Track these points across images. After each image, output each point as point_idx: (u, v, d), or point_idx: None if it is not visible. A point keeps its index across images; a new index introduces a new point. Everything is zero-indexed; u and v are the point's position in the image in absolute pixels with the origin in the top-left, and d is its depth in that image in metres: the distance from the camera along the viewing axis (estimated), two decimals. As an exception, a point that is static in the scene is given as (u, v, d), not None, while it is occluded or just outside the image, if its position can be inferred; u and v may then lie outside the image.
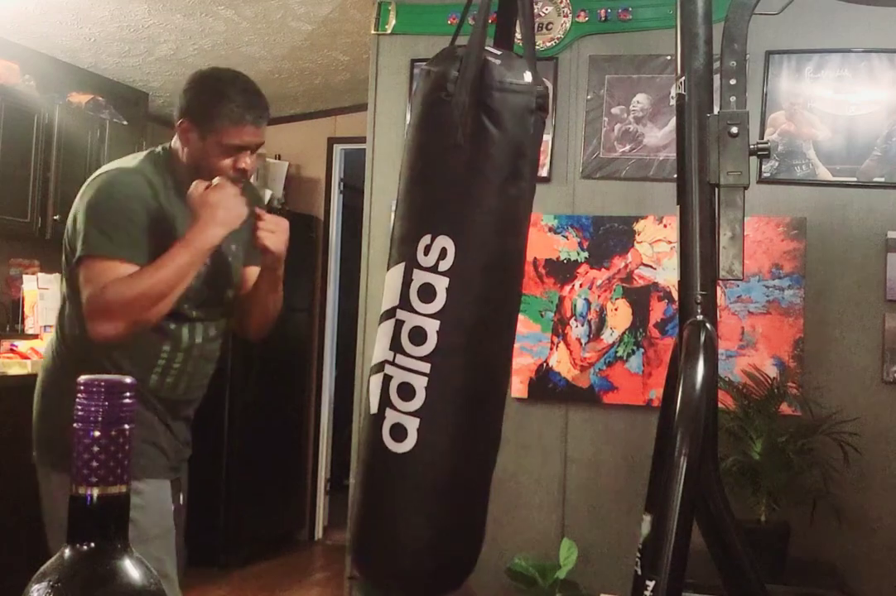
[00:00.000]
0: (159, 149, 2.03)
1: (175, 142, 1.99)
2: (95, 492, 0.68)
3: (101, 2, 3.70)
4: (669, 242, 3.09)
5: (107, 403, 0.67)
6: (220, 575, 4.28)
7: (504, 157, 1.62)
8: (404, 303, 1.62)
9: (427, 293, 1.61)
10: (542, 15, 3.24)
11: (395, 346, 1.63)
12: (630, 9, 3.20)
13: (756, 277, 3.01)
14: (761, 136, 3.02)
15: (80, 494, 0.68)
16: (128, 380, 0.69)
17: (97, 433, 0.67)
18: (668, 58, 3.11)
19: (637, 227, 3.13)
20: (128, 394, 0.69)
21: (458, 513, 1.68)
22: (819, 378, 2.97)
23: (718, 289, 1.56)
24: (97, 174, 1.98)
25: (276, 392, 4.92)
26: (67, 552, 0.68)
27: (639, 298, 3.12)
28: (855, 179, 3.00)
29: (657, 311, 3.10)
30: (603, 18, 3.23)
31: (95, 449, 0.67)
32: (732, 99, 1.54)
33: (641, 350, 3.09)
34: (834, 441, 2.73)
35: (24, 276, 4.30)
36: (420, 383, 1.60)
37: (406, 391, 1.61)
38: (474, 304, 1.63)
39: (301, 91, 4.93)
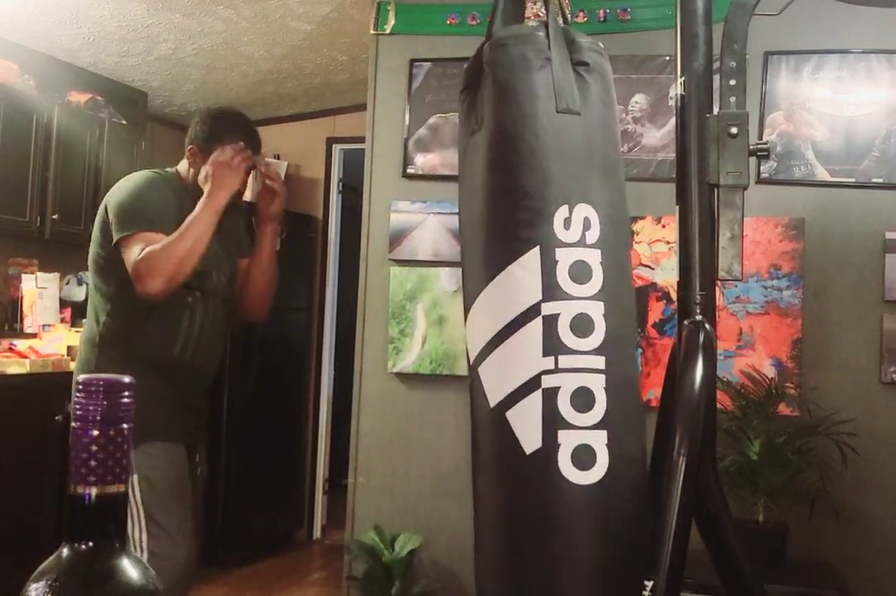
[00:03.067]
0: (164, 170, 2.43)
1: (181, 165, 2.42)
2: (94, 491, 0.68)
3: (101, 1, 3.70)
4: (668, 243, 3.09)
5: (105, 403, 0.67)
6: (219, 574, 4.28)
7: (614, 115, 1.49)
8: (552, 292, 1.34)
9: (582, 272, 1.35)
10: (541, 15, 3.24)
11: (554, 347, 1.32)
12: (629, 9, 3.20)
13: (754, 278, 3.02)
14: (760, 137, 3.03)
15: (79, 494, 0.68)
16: (126, 379, 0.69)
17: (96, 432, 0.67)
18: (667, 58, 3.11)
19: (636, 227, 3.13)
20: (126, 393, 0.69)
21: (641, 553, 1.36)
22: (817, 378, 2.97)
23: (717, 289, 1.56)
24: (119, 182, 2.33)
25: (275, 391, 4.92)
26: (65, 551, 0.68)
27: (637, 298, 3.11)
28: (853, 180, 3.00)
29: (655, 311, 3.10)
30: (602, 19, 3.23)
31: (94, 448, 0.67)
32: (732, 99, 1.54)
33: (640, 350, 3.09)
34: (832, 441, 2.74)
35: (23, 276, 4.30)
36: (599, 384, 1.32)
37: (584, 399, 1.31)
38: (626, 276, 1.42)
39: (300, 91, 4.93)
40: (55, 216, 4.20)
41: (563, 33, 1.48)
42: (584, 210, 1.37)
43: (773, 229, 3.02)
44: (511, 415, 1.32)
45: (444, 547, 3.27)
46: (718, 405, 1.66)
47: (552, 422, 1.30)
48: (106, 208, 2.25)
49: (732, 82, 1.55)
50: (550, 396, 1.31)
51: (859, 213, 3.00)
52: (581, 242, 1.36)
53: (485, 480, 1.39)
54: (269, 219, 2.43)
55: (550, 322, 1.33)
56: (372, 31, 3.47)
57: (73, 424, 0.68)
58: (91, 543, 0.68)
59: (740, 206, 1.51)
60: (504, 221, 1.40)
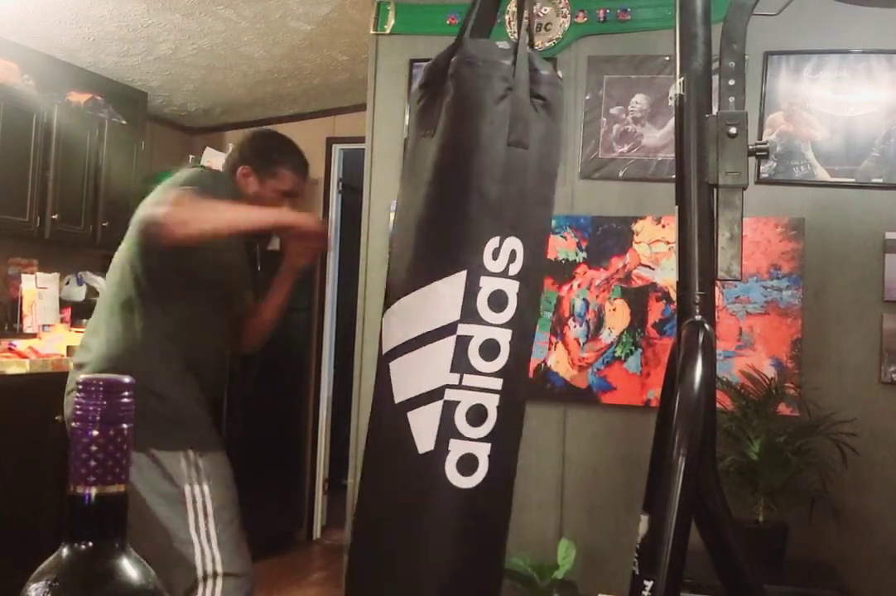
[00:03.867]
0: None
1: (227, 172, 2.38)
2: (94, 491, 0.68)
3: (101, 1, 3.70)
4: (668, 243, 3.09)
5: (105, 403, 0.67)
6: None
7: (558, 152, 1.58)
8: (469, 315, 1.45)
9: (499, 301, 1.46)
10: (541, 15, 3.24)
11: (461, 365, 1.45)
12: (629, 9, 3.20)
13: (754, 278, 3.02)
14: (760, 137, 3.03)
15: (78, 494, 0.68)
16: (126, 379, 0.69)
17: (95, 432, 0.67)
18: (667, 58, 3.11)
19: (635, 227, 3.13)
20: (126, 393, 0.69)
21: (501, 553, 1.54)
22: (817, 378, 2.97)
23: (717, 289, 1.56)
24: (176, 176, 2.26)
25: (275, 391, 4.92)
26: (65, 552, 0.68)
27: (637, 298, 3.12)
28: (853, 180, 3.00)
29: (655, 311, 3.11)
30: (602, 19, 3.23)
31: (94, 448, 0.67)
32: (731, 99, 1.54)
33: (640, 350, 3.09)
34: (832, 441, 2.74)
35: (23, 276, 4.30)
36: (493, 403, 1.45)
37: (477, 415, 1.44)
38: (535, 307, 1.54)
39: (300, 91, 4.93)
40: (55, 216, 4.20)
41: (528, 62, 1.53)
42: (512, 243, 1.48)
43: (773, 229, 3.02)
44: (412, 415, 1.46)
45: (444, 547, 3.26)
46: (718, 405, 1.66)
47: (446, 430, 1.43)
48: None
49: (731, 82, 1.55)
50: (450, 407, 1.44)
51: (859, 213, 3.00)
52: (504, 273, 1.47)
53: (376, 467, 1.52)
54: (297, 269, 2.39)
55: (463, 342, 1.45)
56: (372, 32, 3.47)
57: (72, 424, 0.68)
58: (91, 544, 0.68)
59: (739, 207, 1.51)
60: (439, 236, 1.50)
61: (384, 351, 1.53)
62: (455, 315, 1.45)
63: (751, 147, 1.53)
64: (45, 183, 4.15)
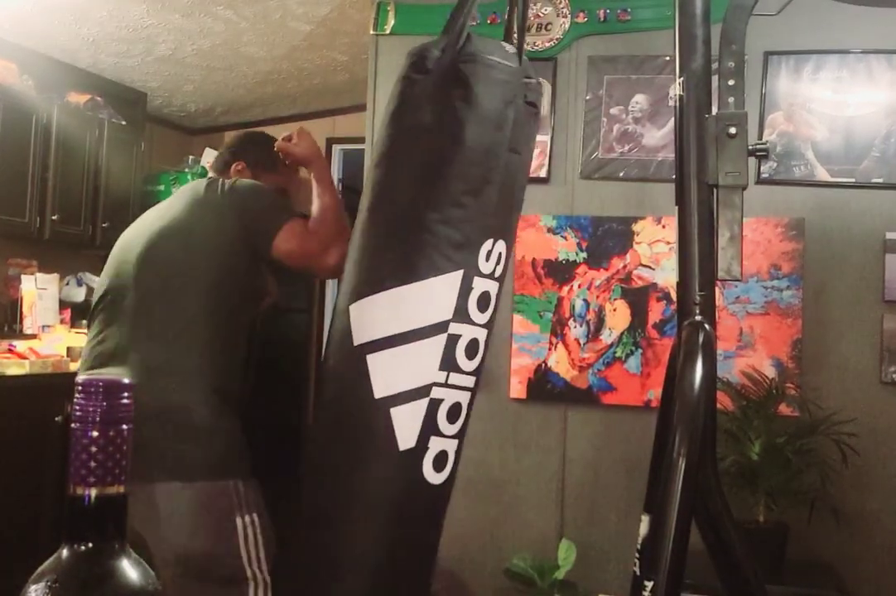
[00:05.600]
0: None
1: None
2: (93, 492, 0.68)
3: (100, 2, 3.70)
4: (668, 243, 3.09)
5: (105, 404, 0.67)
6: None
7: (531, 150, 1.60)
8: (461, 315, 1.46)
9: (485, 302, 1.49)
10: (541, 15, 3.24)
11: (449, 364, 1.46)
12: (629, 9, 3.20)
13: (754, 278, 3.02)
14: (760, 137, 3.03)
15: (78, 495, 0.68)
16: (126, 380, 0.69)
17: (95, 433, 0.67)
18: (667, 58, 3.11)
19: (636, 227, 3.13)
20: (126, 394, 0.69)
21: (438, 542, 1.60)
22: (817, 379, 2.97)
23: (717, 289, 1.56)
24: (228, 183, 2.17)
25: (275, 392, 4.92)
26: (65, 552, 0.68)
27: (637, 298, 3.12)
28: (853, 180, 3.00)
29: (656, 311, 3.10)
30: (602, 19, 3.23)
31: (93, 449, 0.67)
32: (731, 100, 1.54)
33: (640, 350, 3.09)
34: (832, 442, 2.73)
35: (23, 277, 4.30)
36: (466, 401, 1.48)
37: (454, 413, 1.47)
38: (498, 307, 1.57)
39: (300, 91, 4.93)
40: (55, 217, 4.20)
41: (526, 69, 1.56)
42: (500, 246, 1.51)
43: (773, 230, 3.02)
44: (395, 412, 1.43)
45: (444, 547, 3.24)
46: (718, 406, 1.66)
47: (429, 428, 1.44)
48: (229, 209, 2.09)
49: (731, 82, 1.55)
50: (434, 405, 1.44)
51: (859, 213, 2.99)
52: (491, 275, 1.50)
53: (354, 462, 1.49)
54: (299, 161, 2.31)
55: (452, 341, 1.45)
56: (371, 32, 3.47)
57: (72, 424, 0.68)
58: (91, 544, 0.68)
59: (740, 207, 1.51)
60: (442, 233, 1.48)
61: (357, 342, 1.48)
62: (448, 313, 1.45)
63: (751, 147, 1.53)
64: (45, 184, 4.15)
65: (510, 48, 1.60)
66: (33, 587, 0.66)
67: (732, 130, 1.51)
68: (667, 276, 3.08)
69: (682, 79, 1.56)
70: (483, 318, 1.49)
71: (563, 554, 2.97)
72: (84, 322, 4.50)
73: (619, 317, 3.12)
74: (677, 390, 1.42)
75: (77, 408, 0.68)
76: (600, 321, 3.14)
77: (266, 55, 4.34)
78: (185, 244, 2.07)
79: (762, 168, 3.03)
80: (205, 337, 2.05)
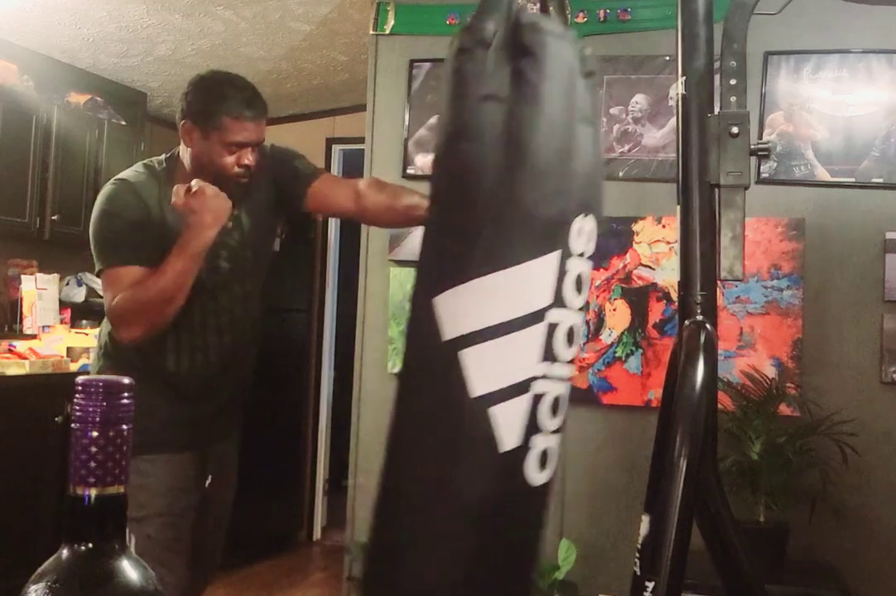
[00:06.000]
0: (159, 158, 2.16)
1: (180, 148, 2.11)
2: (93, 492, 0.68)
3: (100, 2, 3.70)
4: (668, 243, 3.09)
5: (104, 404, 0.67)
6: (219, 575, 4.26)
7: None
8: (559, 300, 1.35)
9: (580, 284, 1.37)
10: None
11: (549, 354, 1.35)
12: (629, 9, 3.20)
13: (755, 278, 3.01)
14: (760, 137, 3.02)
15: (78, 495, 0.68)
16: (126, 380, 0.69)
17: (95, 434, 0.67)
18: (667, 58, 3.11)
19: (636, 227, 3.13)
20: (126, 394, 0.68)
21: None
22: (818, 379, 2.97)
23: (717, 289, 1.56)
24: (102, 191, 2.08)
25: (275, 393, 4.91)
26: (65, 553, 0.68)
27: (637, 298, 3.12)
28: (853, 180, 3.00)
29: (656, 311, 3.10)
30: (602, 19, 3.23)
31: (93, 449, 0.67)
32: (733, 99, 1.54)
33: (640, 350, 3.09)
34: (833, 441, 2.73)
35: (23, 277, 4.30)
36: (566, 392, 1.38)
37: (556, 407, 1.37)
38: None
39: (299, 91, 4.93)
40: (55, 217, 4.20)
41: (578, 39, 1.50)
42: (589, 221, 1.38)
43: (774, 229, 3.02)
44: (495, 411, 1.32)
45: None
46: (719, 405, 1.66)
47: (531, 426, 1.32)
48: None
49: (733, 82, 1.55)
50: (536, 401, 1.33)
51: (859, 213, 2.99)
52: (583, 255, 1.37)
53: (450, 468, 1.37)
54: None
55: (552, 329, 1.34)
56: (371, 32, 3.47)
57: (72, 425, 0.68)
58: (91, 545, 0.68)
59: (741, 206, 1.51)
60: (529, 209, 1.35)
61: (447, 338, 1.36)
62: (548, 299, 1.33)
63: (752, 147, 1.52)
64: (45, 184, 4.15)
65: (557, 19, 1.56)
66: (33, 587, 0.66)
67: (734, 130, 1.51)
68: (667, 276, 3.07)
69: (683, 78, 1.56)
70: (579, 302, 1.38)
71: (563, 554, 2.96)
72: (84, 322, 4.51)
73: (619, 317, 3.12)
74: (678, 390, 1.42)
75: (77, 408, 0.67)
76: (600, 321, 3.14)
77: (266, 55, 4.34)
78: None
79: (762, 168, 3.03)
80: None
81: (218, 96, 2.07)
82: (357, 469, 3.41)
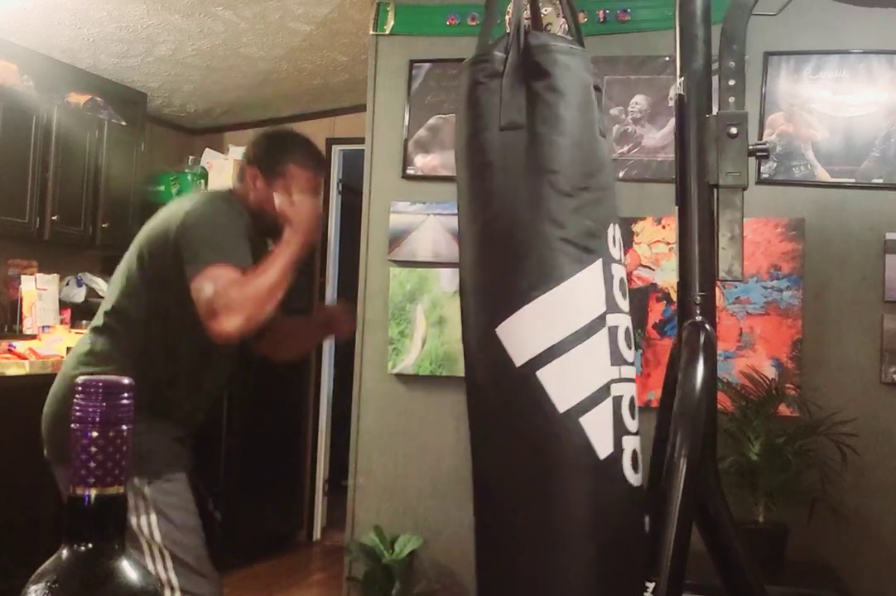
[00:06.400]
0: (225, 192, 2.27)
1: (236, 186, 2.26)
2: (93, 493, 0.68)
3: (100, 2, 3.70)
4: (668, 243, 3.09)
5: (104, 404, 0.67)
6: (219, 575, 4.27)
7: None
8: (611, 305, 1.41)
9: (624, 288, 1.45)
10: (542, 15, 3.24)
11: (616, 357, 1.40)
12: (629, 10, 3.20)
13: (754, 278, 3.01)
14: (760, 138, 3.03)
15: (78, 495, 0.68)
16: (126, 381, 0.69)
17: (95, 434, 0.67)
18: (667, 58, 3.11)
19: (635, 228, 3.13)
20: (125, 395, 0.68)
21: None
22: (817, 379, 2.97)
23: (717, 290, 1.56)
24: (188, 206, 2.12)
25: (275, 393, 4.92)
26: (65, 553, 0.68)
27: (637, 298, 3.11)
28: (853, 180, 3.00)
29: (655, 311, 3.10)
30: (602, 19, 3.23)
31: (93, 450, 0.67)
32: (731, 100, 1.54)
33: (640, 351, 3.09)
34: (832, 442, 2.73)
35: (23, 277, 4.30)
36: (635, 392, 1.43)
37: (632, 406, 1.41)
38: None
39: (299, 92, 4.93)
40: (55, 217, 4.20)
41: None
42: (618, 230, 1.49)
43: (773, 230, 3.02)
44: (585, 421, 1.36)
45: (445, 548, 3.26)
46: (718, 406, 1.66)
47: (619, 428, 1.38)
48: (176, 230, 2.07)
49: (731, 82, 1.55)
50: (617, 403, 1.38)
51: (859, 213, 2.99)
52: (620, 260, 1.47)
53: (553, 484, 1.40)
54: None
55: (613, 333, 1.40)
56: (371, 32, 3.47)
57: (72, 425, 0.68)
58: (90, 545, 0.68)
59: (740, 207, 1.51)
60: (569, 224, 1.42)
61: (519, 363, 1.39)
62: (602, 306, 1.39)
63: (751, 147, 1.53)
64: (45, 184, 4.15)
65: (565, 35, 1.58)
66: (33, 588, 0.66)
67: (733, 130, 1.51)
68: (666, 276, 3.07)
69: (682, 79, 1.56)
70: (626, 304, 1.44)
71: (563, 554, 2.96)
72: (84, 322, 4.50)
73: (619, 317, 3.12)
74: (678, 391, 1.42)
75: (77, 408, 0.68)
76: (600, 321, 3.14)
77: (266, 56, 4.34)
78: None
79: (762, 168, 3.03)
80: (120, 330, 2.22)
81: (290, 154, 2.22)
82: (357, 469, 3.41)
